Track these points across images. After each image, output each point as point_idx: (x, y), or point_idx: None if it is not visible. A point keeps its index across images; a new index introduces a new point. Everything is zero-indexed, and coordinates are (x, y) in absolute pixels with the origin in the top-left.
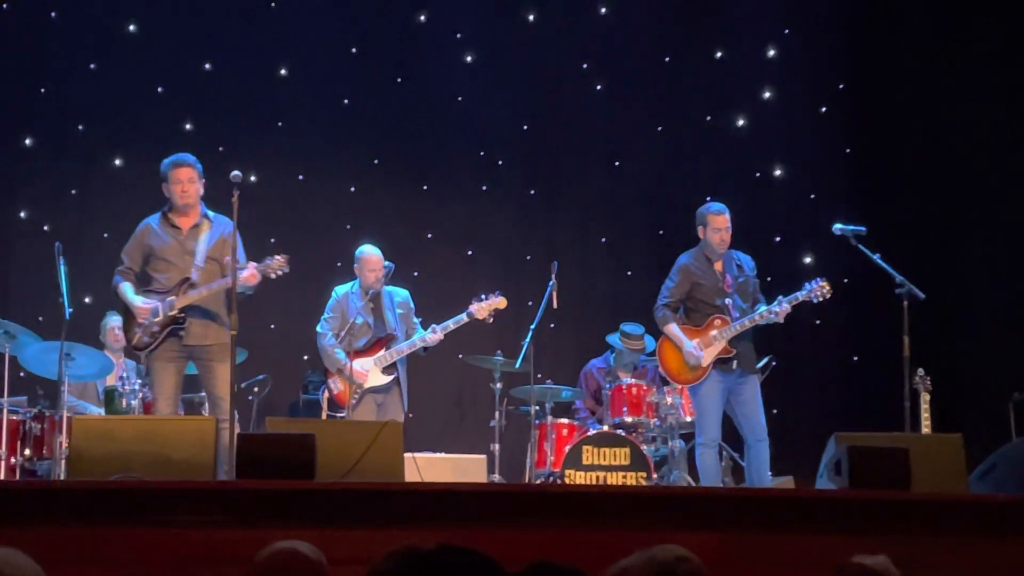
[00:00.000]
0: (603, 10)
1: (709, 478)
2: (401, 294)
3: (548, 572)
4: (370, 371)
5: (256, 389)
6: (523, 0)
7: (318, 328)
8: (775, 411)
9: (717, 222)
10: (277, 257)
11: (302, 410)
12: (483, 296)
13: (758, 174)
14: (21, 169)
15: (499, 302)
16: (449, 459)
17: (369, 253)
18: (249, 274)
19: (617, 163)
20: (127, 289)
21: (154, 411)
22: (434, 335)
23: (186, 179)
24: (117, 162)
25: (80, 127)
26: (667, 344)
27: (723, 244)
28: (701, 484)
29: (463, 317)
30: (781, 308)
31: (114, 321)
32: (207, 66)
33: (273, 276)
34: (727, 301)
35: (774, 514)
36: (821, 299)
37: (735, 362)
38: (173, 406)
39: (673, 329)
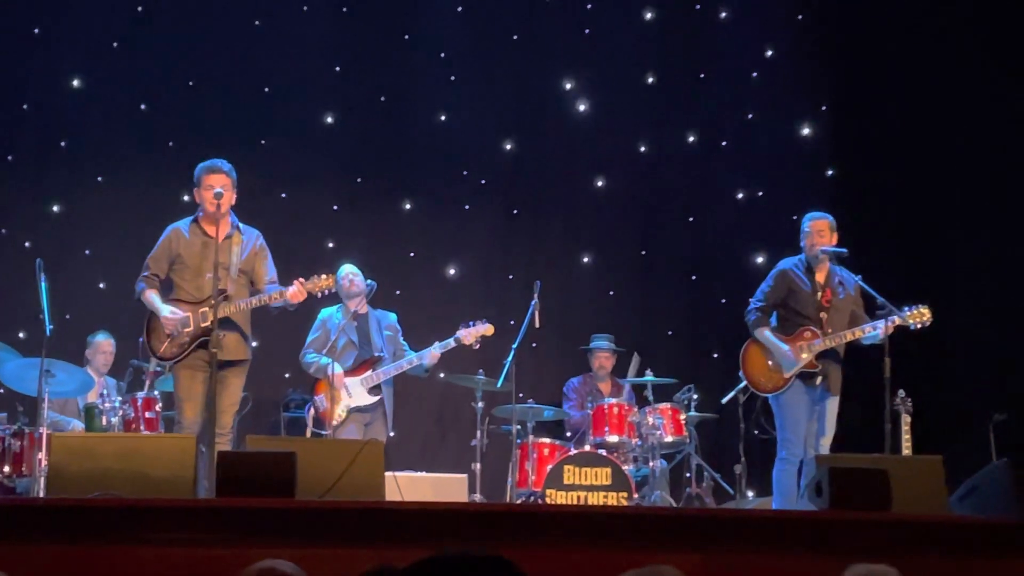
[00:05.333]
0: (587, 31)
1: (784, 496)
2: (389, 317)
3: None
4: (355, 391)
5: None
6: (507, 20)
7: (300, 355)
8: (756, 432)
9: (819, 225)
10: (324, 275)
11: (283, 429)
12: (471, 323)
13: (740, 195)
14: (3, 185)
15: (486, 329)
16: (430, 478)
17: (347, 269)
18: (296, 291)
19: (600, 183)
20: (154, 297)
21: (181, 420)
22: (433, 356)
23: (219, 187)
24: (99, 179)
25: (63, 143)
26: (752, 349)
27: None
28: (774, 502)
29: (451, 342)
30: (884, 326)
31: (104, 343)
32: (191, 83)
33: (319, 295)
34: (822, 315)
35: (755, 534)
36: (919, 326)
37: (819, 378)
38: (201, 414)
39: (766, 334)
